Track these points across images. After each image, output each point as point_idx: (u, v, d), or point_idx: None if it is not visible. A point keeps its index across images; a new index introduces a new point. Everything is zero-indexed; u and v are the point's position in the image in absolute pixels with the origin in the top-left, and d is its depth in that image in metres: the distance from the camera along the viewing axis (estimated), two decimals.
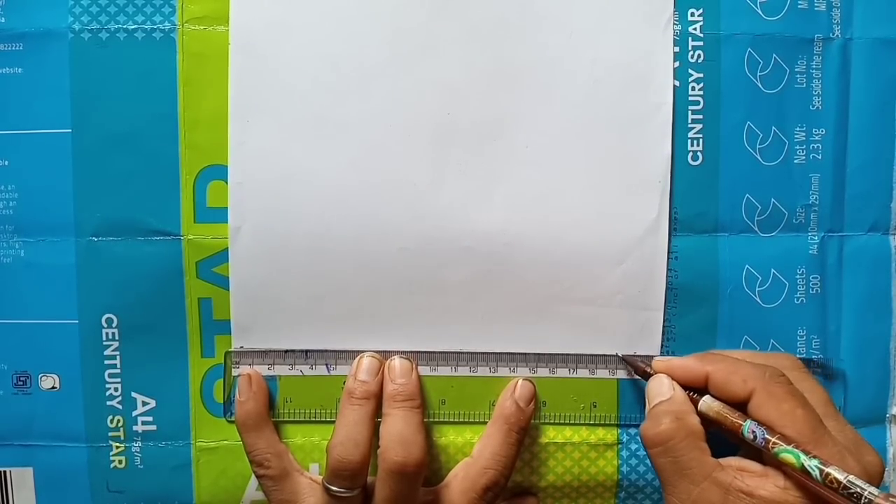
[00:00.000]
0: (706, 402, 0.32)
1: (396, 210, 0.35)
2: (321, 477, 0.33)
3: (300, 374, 0.35)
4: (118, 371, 0.35)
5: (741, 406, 0.31)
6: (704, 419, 0.32)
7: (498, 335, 0.35)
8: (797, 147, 0.35)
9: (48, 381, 0.35)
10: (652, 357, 0.35)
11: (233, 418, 0.35)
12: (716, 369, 0.32)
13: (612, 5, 0.34)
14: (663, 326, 0.35)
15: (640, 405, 0.36)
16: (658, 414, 0.32)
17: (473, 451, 0.34)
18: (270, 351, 0.35)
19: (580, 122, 0.35)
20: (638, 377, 0.35)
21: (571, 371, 0.36)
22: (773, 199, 0.35)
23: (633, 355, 0.35)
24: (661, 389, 0.33)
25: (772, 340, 0.36)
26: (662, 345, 0.35)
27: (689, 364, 0.33)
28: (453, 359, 0.35)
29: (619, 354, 0.35)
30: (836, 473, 0.28)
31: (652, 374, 0.34)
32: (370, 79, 0.34)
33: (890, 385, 0.36)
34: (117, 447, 0.35)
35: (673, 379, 0.33)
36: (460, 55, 0.34)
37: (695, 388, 0.32)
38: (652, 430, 0.32)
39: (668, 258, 0.35)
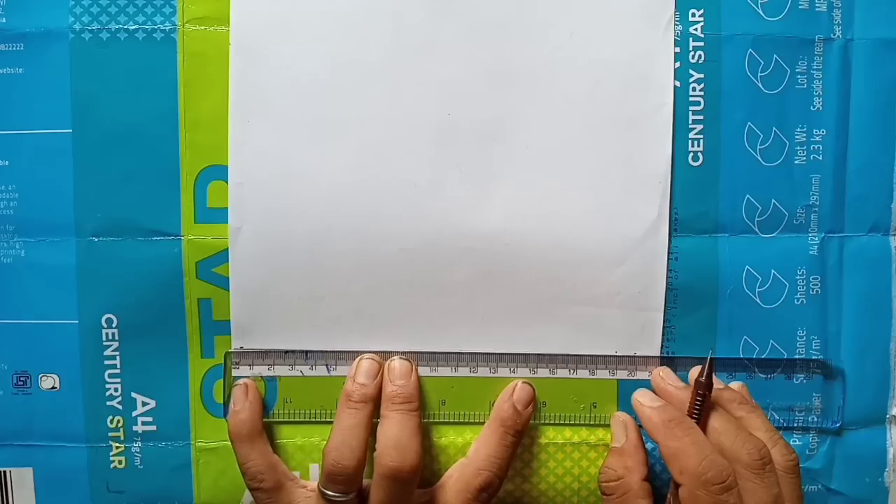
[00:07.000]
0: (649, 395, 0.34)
1: (396, 210, 0.35)
2: (315, 483, 0.33)
3: (300, 374, 0.35)
4: (118, 371, 0.35)
5: None
6: None
7: (498, 336, 0.35)
8: (798, 148, 0.35)
9: (48, 381, 0.35)
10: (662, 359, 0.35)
11: None
12: (665, 446, 0.31)
13: (612, 5, 0.34)
14: (663, 327, 0.35)
15: None
16: (608, 463, 0.34)
17: (469, 452, 0.34)
18: (270, 351, 0.35)
19: (580, 122, 0.35)
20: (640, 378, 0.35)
21: (571, 372, 0.36)
22: (773, 200, 0.35)
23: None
24: (617, 432, 0.35)
25: (771, 341, 0.36)
26: (662, 345, 0.35)
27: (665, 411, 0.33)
28: (453, 359, 0.35)
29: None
30: None
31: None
32: (370, 78, 0.34)
33: (890, 386, 0.36)
34: (117, 447, 0.36)
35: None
36: (460, 55, 0.34)
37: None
38: (601, 477, 0.34)
39: (669, 259, 0.35)
